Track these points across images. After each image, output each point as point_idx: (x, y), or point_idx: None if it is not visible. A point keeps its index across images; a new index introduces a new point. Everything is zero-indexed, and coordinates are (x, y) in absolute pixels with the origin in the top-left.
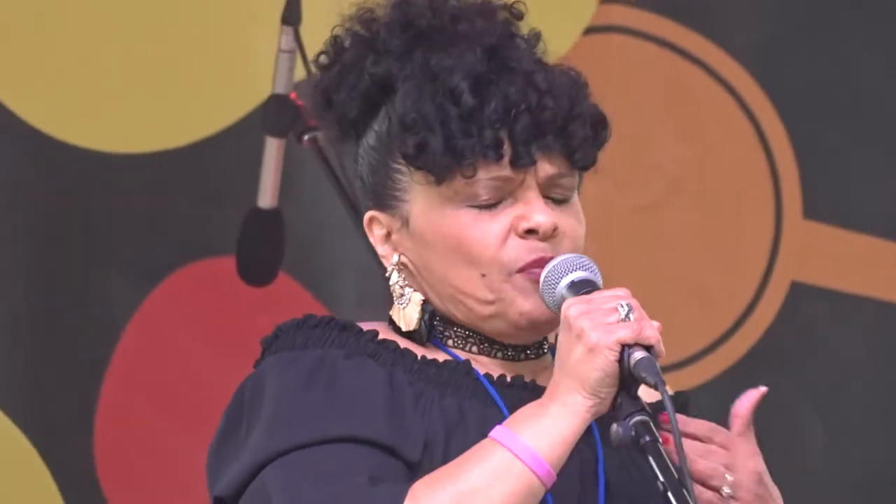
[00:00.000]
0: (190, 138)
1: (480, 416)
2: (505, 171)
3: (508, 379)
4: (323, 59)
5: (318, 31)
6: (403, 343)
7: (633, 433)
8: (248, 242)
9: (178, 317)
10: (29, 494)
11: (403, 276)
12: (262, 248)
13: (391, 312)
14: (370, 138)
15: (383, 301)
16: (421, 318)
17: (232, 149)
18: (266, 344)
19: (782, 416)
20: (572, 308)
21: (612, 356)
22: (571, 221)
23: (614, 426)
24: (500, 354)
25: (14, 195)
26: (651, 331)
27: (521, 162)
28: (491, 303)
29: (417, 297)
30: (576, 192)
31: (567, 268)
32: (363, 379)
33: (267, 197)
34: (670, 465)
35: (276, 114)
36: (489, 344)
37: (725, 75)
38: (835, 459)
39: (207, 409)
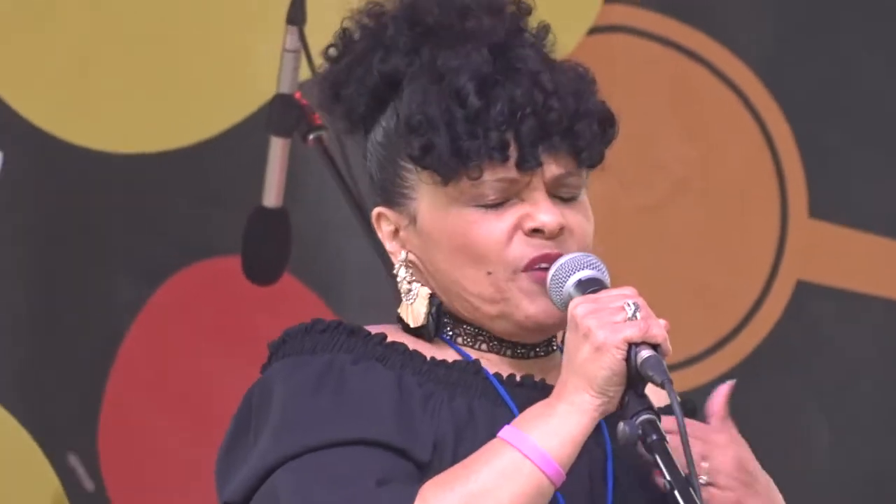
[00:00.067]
0: (194, 138)
1: (490, 415)
2: (511, 172)
3: (518, 378)
4: (332, 51)
5: (322, 30)
6: (412, 345)
7: (639, 432)
8: (254, 242)
9: (181, 317)
10: (32, 494)
11: (411, 271)
12: (267, 248)
13: (399, 310)
14: (378, 134)
15: (388, 301)
16: (428, 313)
17: (236, 148)
18: (273, 348)
19: (788, 415)
20: (579, 307)
21: (620, 355)
22: (579, 219)
23: (621, 425)
24: (509, 352)
25: (19, 195)
26: (658, 329)
27: (528, 164)
28: (496, 302)
29: (425, 292)
30: (584, 189)
31: (574, 266)
32: (371, 382)
33: (272, 196)
34: (677, 463)
35: (280, 113)
36: (498, 342)
37: (730, 75)
38: (841, 458)
39: (211, 408)
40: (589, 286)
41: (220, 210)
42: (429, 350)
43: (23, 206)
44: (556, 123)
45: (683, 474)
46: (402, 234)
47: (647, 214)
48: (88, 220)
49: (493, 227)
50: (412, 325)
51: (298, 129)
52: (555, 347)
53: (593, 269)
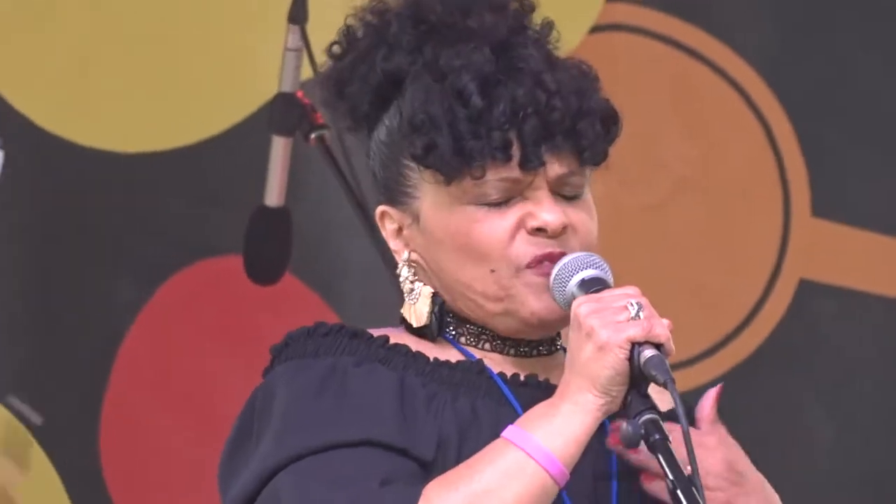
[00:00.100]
0: (195, 137)
1: (494, 415)
2: (514, 172)
3: (522, 378)
4: (335, 48)
5: (324, 29)
6: (415, 346)
7: (642, 431)
8: (255, 241)
9: (183, 316)
10: (35, 493)
11: (413, 271)
12: (269, 247)
13: (402, 310)
14: (381, 132)
15: (389, 300)
16: (431, 312)
17: (238, 148)
18: (276, 352)
19: (790, 414)
20: (582, 307)
21: (623, 354)
22: (582, 217)
23: (624, 424)
24: (512, 351)
25: (20, 194)
26: (661, 329)
27: (530, 164)
28: (501, 300)
29: (427, 291)
30: (587, 187)
31: (577, 266)
32: (374, 384)
33: (274, 195)
34: (679, 463)
35: (282, 112)
36: (501, 341)
37: (732, 73)
38: (843, 457)
39: (213, 408)
40: (592, 286)
41: (222, 209)
42: (432, 351)
43: (24, 205)
44: (558, 123)
45: (686, 474)
46: (405, 232)
47: (648, 213)
48: (90, 219)
49: (495, 226)
50: (415, 325)
51: (300, 129)
52: (558, 347)
53: (596, 268)
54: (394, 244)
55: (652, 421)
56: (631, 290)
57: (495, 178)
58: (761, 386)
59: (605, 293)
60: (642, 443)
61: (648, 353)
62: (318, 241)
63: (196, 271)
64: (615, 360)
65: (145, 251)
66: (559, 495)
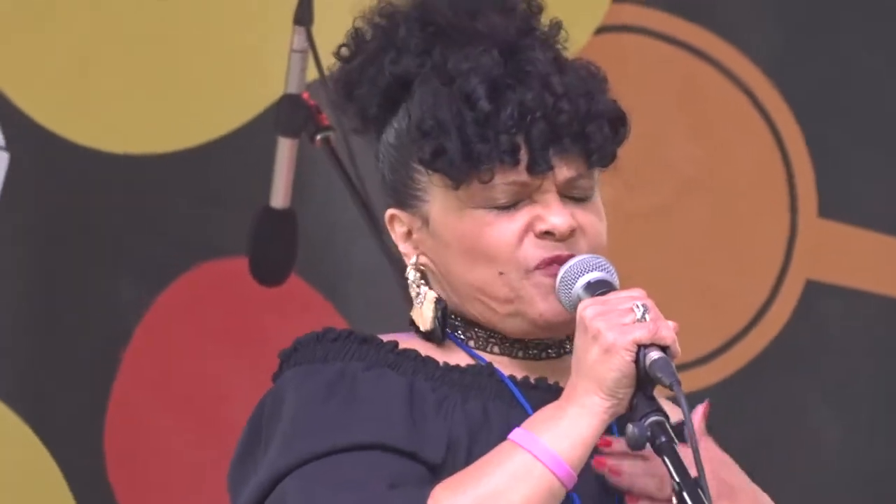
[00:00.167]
0: (201, 139)
1: (505, 417)
2: (522, 176)
3: (532, 380)
4: (344, 51)
5: (330, 30)
6: (425, 350)
7: (648, 433)
8: (261, 242)
9: (188, 318)
10: (40, 494)
11: (420, 275)
12: (274, 248)
13: (412, 313)
14: (390, 135)
15: (394, 302)
16: (434, 317)
17: (244, 149)
18: (284, 357)
19: (797, 415)
20: (588, 309)
21: (629, 356)
22: (591, 219)
23: (630, 426)
24: (521, 354)
25: (26, 196)
26: (667, 331)
27: (538, 168)
28: (509, 301)
29: (431, 295)
30: (596, 189)
31: (583, 268)
32: (383, 389)
33: (279, 197)
34: (685, 465)
35: (288, 114)
36: (510, 344)
37: (739, 74)
38: (849, 457)
39: (218, 409)
40: (598, 288)
41: (227, 211)
42: (441, 355)
43: (30, 206)
44: (566, 126)
45: (692, 476)
46: (415, 235)
47: (655, 214)
48: (96, 221)
49: (504, 230)
50: (422, 329)
51: (306, 130)
52: (567, 350)
53: (602, 270)
54: (403, 247)
55: (658, 423)
56: (636, 292)
57: (504, 182)
58: (768, 386)
59: (611, 295)
60: (624, 465)
61: (654, 355)
62: (324, 242)
63: (201, 273)
64: (621, 363)
65: (151, 253)
66: (570, 497)
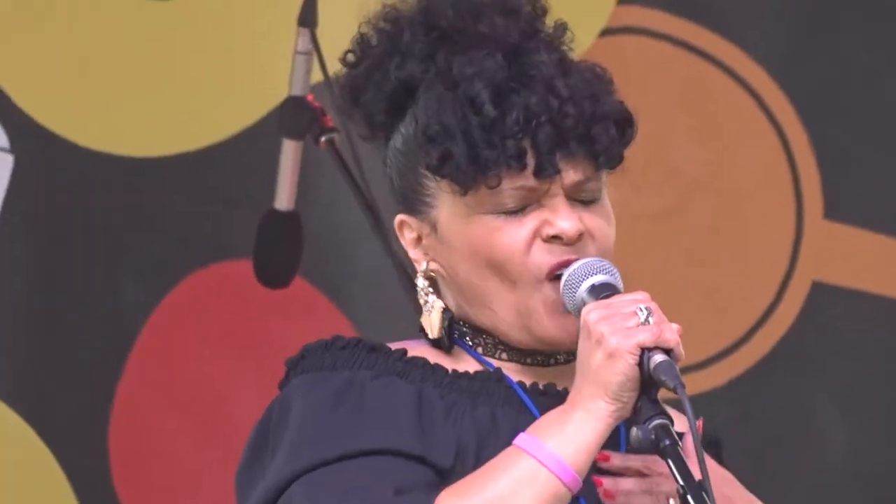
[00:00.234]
0: (206, 141)
1: (513, 423)
2: (529, 180)
3: (541, 386)
4: (350, 57)
5: (334, 32)
6: (433, 358)
7: (652, 436)
8: (266, 245)
9: (193, 320)
10: (43, 496)
11: (429, 282)
12: (279, 250)
13: (421, 320)
14: (397, 141)
15: (398, 304)
16: (441, 326)
17: (248, 151)
18: (291, 364)
19: (804, 417)
20: (592, 313)
21: (633, 360)
22: (599, 223)
23: (634, 429)
24: (529, 361)
25: (30, 197)
26: (671, 334)
27: (545, 172)
28: (518, 315)
29: (439, 304)
30: (604, 191)
31: (587, 272)
32: (391, 397)
33: (284, 199)
34: (689, 468)
35: (292, 116)
36: (519, 351)
37: (744, 76)
38: (856, 459)
39: (223, 411)
40: (601, 291)
41: (232, 213)
42: (450, 362)
43: (33, 208)
44: (572, 129)
45: (696, 479)
46: (424, 241)
47: (660, 216)
48: (101, 223)
49: (513, 234)
50: (430, 336)
51: (310, 132)
52: (576, 356)
53: (606, 273)
54: (413, 253)
55: (662, 426)
56: (640, 295)
57: (511, 187)
58: (774, 388)
59: (615, 299)
60: (620, 485)
61: (658, 358)
62: (329, 244)
63: (206, 275)
64: (625, 367)
65: (156, 255)
66: (576, 502)
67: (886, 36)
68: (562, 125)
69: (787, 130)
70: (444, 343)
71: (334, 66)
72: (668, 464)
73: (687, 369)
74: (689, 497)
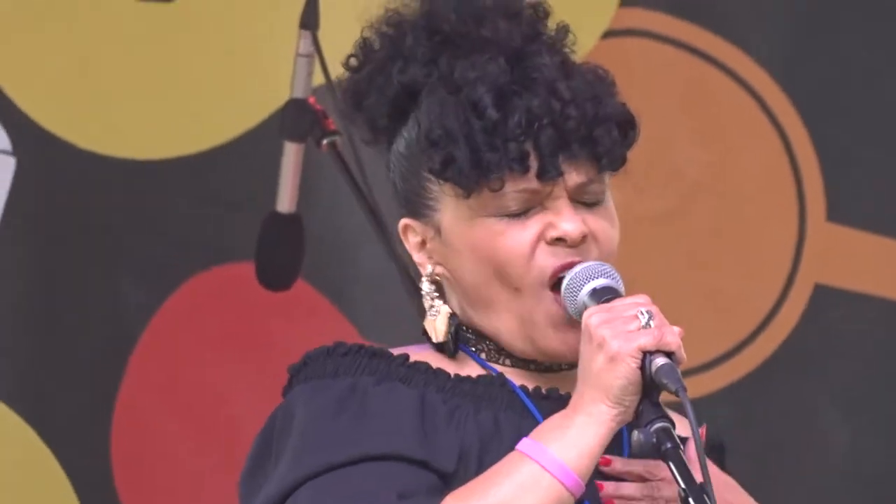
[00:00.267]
0: (207, 143)
1: (516, 427)
2: (532, 183)
3: (543, 391)
4: (352, 61)
5: (336, 35)
6: (436, 363)
7: (654, 440)
8: (267, 247)
9: (194, 323)
10: (47, 499)
11: (434, 287)
12: (281, 253)
13: (424, 323)
14: (400, 145)
15: (400, 307)
16: (448, 331)
17: (250, 154)
18: (294, 371)
19: (806, 419)
20: (593, 317)
21: (634, 363)
22: (603, 225)
23: (635, 433)
24: (532, 366)
25: (32, 199)
26: (672, 337)
27: (548, 175)
28: (523, 323)
29: (445, 310)
30: (608, 193)
31: (588, 275)
32: (393, 403)
33: (286, 202)
34: (691, 472)
35: (294, 118)
36: (521, 357)
37: (747, 78)
38: (859, 460)
39: (225, 413)
40: (603, 295)
41: (234, 215)
42: (453, 367)
43: (36, 210)
44: (574, 132)
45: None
46: (428, 245)
47: (662, 218)
48: (102, 225)
49: (517, 238)
50: (434, 340)
51: (312, 134)
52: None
53: (607, 277)
54: (417, 257)
55: (664, 429)
56: (641, 298)
57: (514, 190)
58: (777, 391)
59: (616, 302)
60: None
61: (660, 361)
62: (330, 247)
63: (208, 278)
64: (627, 370)
65: (157, 257)
66: None
67: (888, 38)
68: (564, 127)
69: (789, 133)
70: (450, 348)
71: (336, 69)
72: (669, 467)
73: (689, 372)
74: (690, 500)
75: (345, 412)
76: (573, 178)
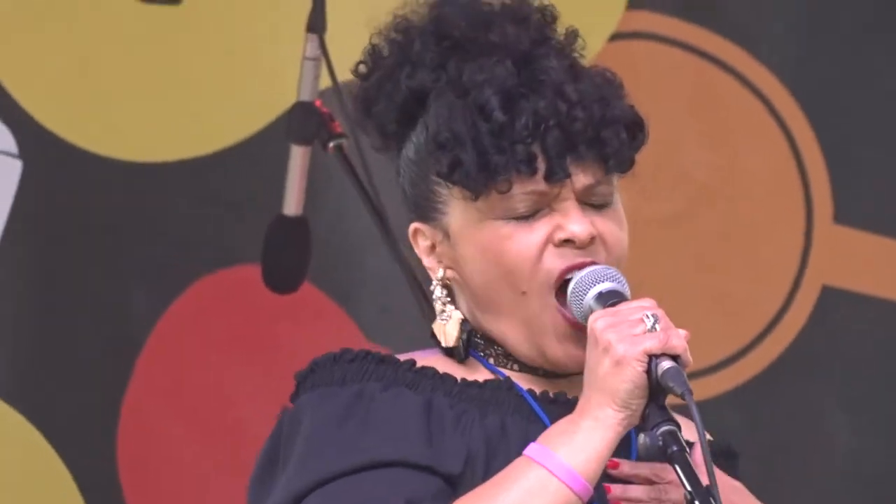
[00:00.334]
0: (214, 146)
1: (523, 431)
2: (540, 185)
3: (551, 395)
4: (361, 68)
5: (343, 38)
6: (443, 367)
7: (660, 443)
8: (274, 250)
9: (201, 325)
10: (51, 501)
11: (446, 292)
12: (287, 256)
13: (433, 326)
14: (409, 150)
15: (407, 309)
16: (459, 337)
17: (256, 157)
18: (301, 378)
19: (813, 420)
20: (598, 321)
21: (640, 367)
22: (612, 227)
23: (642, 436)
24: (540, 371)
25: (38, 202)
26: (678, 340)
27: (556, 176)
28: (528, 331)
29: (457, 315)
30: (616, 195)
31: (594, 279)
32: (399, 408)
33: (292, 204)
34: (697, 474)
35: (300, 121)
36: (528, 362)
37: (754, 80)
38: (865, 463)
39: (231, 416)
40: (609, 299)
41: (240, 218)
42: (460, 371)
43: (43, 213)
44: (581, 133)
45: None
46: (438, 249)
47: (670, 222)
48: (108, 228)
49: (525, 240)
50: (443, 345)
51: (319, 138)
52: None
53: (613, 281)
54: (427, 261)
55: (670, 432)
56: (647, 302)
57: (522, 192)
58: (783, 393)
59: (622, 306)
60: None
61: (666, 364)
62: (337, 249)
63: (214, 280)
64: (633, 374)
65: (164, 260)
66: None
67: (895, 40)
68: (571, 129)
69: (796, 135)
70: (460, 354)
71: (342, 72)
72: (675, 469)
73: (696, 374)
74: (696, 503)
75: (352, 419)
76: (581, 179)
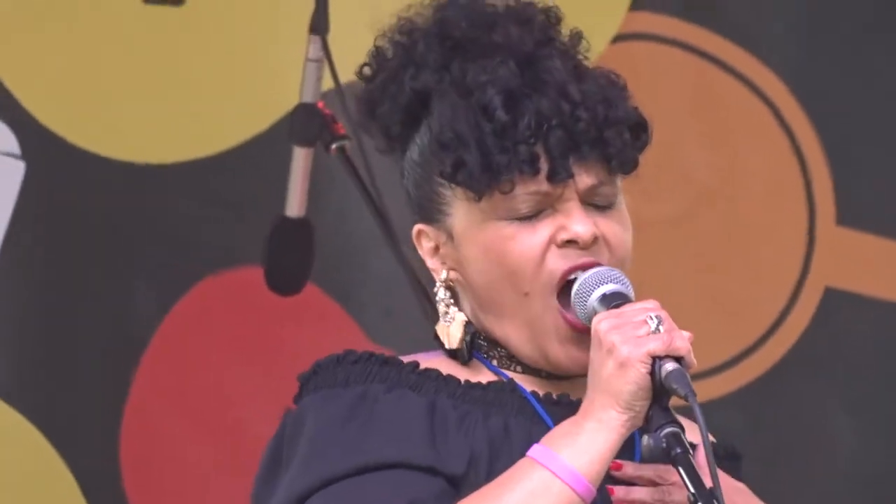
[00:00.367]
0: (217, 148)
1: (526, 433)
2: (542, 185)
3: (555, 396)
4: (366, 70)
5: (345, 39)
6: (446, 369)
7: (664, 444)
8: (277, 251)
9: (204, 327)
10: (54, 502)
11: (450, 294)
12: (290, 257)
13: (437, 328)
14: (413, 152)
15: (409, 311)
16: (463, 339)
17: (259, 158)
18: (304, 380)
19: (816, 422)
20: (602, 323)
21: (644, 369)
22: (615, 228)
23: (645, 438)
24: (544, 373)
25: (42, 204)
26: (682, 342)
27: (558, 176)
28: (531, 332)
29: (461, 317)
30: (620, 196)
31: (597, 281)
32: (402, 410)
33: (295, 206)
34: (700, 476)
35: (303, 123)
36: (531, 364)
37: (756, 82)
38: (868, 464)
39: (234, 417)
40: (612, 300)
41: (243, 220)
42: (463, 373)
43: (46, 214)
44: (583, 133)
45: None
46: (441, 250)
47: (672, 223)
48: (111, 229)
49: (528, 241)
50: (447, 347)
51: (321, 139)
52: None
53: (616, 282)
54: (431, 263)
55: (673, 434)
56: (650, 303)
57: (524, 192)
58: (786, 394)
59: (625, 308)
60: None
61: (669, 366)
62: (339, 251)
63: (217, 282)
64: (637, 376)
65: (167, 262)
66: None
67: None
68: (574, 129)
69: (798, 136)
70: (463, 356)
71: (345, 74)
72: (678, 471)
73: (699, 376)
74: None
75: (355, 420)
76: (584, 180)
